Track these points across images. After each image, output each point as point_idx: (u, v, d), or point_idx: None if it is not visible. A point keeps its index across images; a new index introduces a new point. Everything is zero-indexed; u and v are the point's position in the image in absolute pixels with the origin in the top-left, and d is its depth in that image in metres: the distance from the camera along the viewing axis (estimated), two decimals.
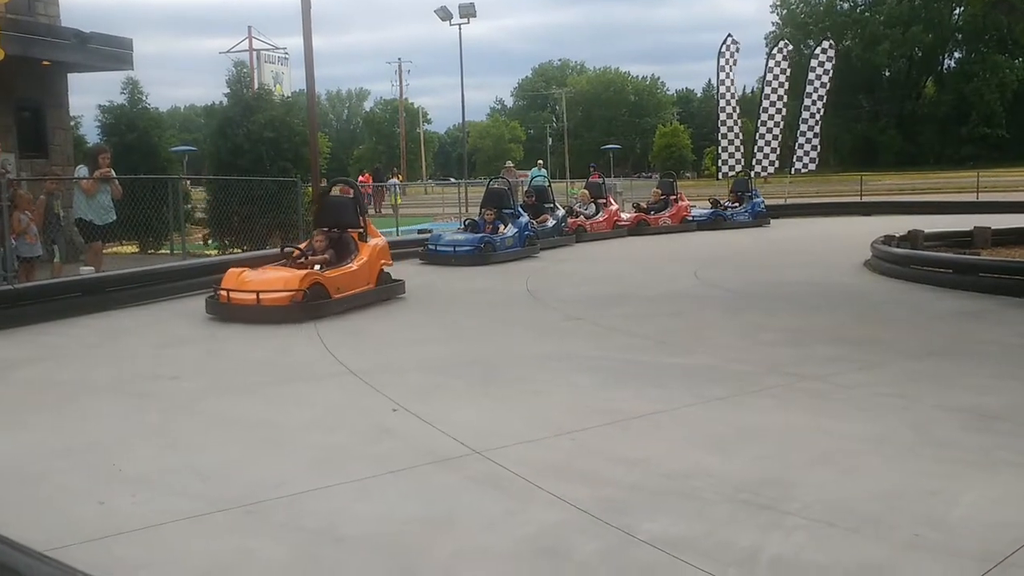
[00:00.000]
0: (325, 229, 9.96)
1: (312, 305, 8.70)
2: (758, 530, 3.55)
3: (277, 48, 34.84)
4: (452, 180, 44.05)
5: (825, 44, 26.87)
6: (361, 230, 10.08)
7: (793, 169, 26.77)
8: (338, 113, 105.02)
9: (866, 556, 3.32)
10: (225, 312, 8.72)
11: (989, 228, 14.25)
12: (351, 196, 10.46)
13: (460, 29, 33.56)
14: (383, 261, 10.26)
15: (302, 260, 9.42)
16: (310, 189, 15.82)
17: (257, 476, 4.25)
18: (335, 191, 11.38)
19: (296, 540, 3.52)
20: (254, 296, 8.60)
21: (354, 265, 9.67)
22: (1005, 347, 7.34)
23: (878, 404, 5.50)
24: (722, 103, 25.22)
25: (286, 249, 9.95)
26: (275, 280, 8.83)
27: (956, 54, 73.38)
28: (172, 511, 3.79)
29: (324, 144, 52.45)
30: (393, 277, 10.45)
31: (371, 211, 32.15)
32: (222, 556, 3.38)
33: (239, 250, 13.39)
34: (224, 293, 8.77)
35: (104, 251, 11.23)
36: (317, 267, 9.36)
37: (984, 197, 28.28)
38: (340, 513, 3.80)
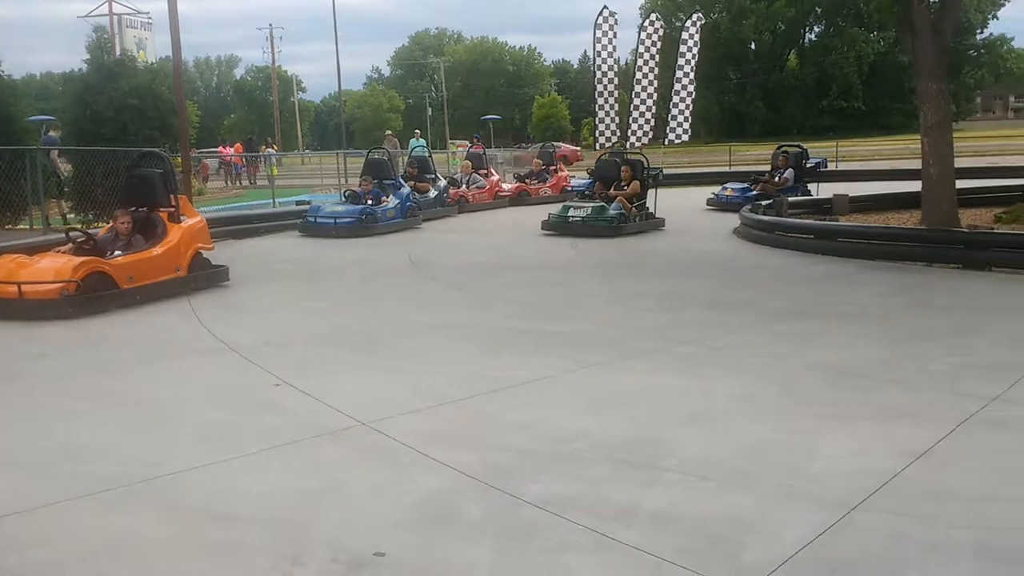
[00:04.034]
0: (131, 209, 8.81)
1: (90, 298, 7.67)
2: (636, 486, 3.73)
3: (140, 13, 33.05)
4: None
5: (695, 17, 27.61)
6: (172, 209, 8.92)
7: (667, 140, 27.50)
8: (207, 81, 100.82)
9: (737, 506, 3.54)
10: None
11: (847, 195, 15.04)
12: (159, 171, 9.21)
13: None
14: (199, 244, 9.09)
15: (88, 245, 8.28)
16: (179, 159, 15.26)
17: (137, 455, 4.14)
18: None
19: (181, 518, 3.47)
20: (16, 288, 7.45)
21: (156, 250, 8.52)
22: (862, 308, 7.85)
23: (745, 364, 5.81)
24: (599, 75, 25.59)
25: (72, 233, 8.64)
26: (45, 270, 7.67)
27: (816, 28, 76.61)
28: (52, 494, 3.66)
29: (193, 113, 50.33)
30: (214, 263, 9.32)
31: (245, 182, 31.39)
32: (109, 536, 3.31)
33: (100, 225, 12.71)
34: None
35: None
36: (118, 252, 8.36)
37: (843, 166, 29.78)
38: (225, 489, 3.76)
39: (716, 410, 4.84)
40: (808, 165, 18.74)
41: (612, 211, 13.43)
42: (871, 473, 3.83)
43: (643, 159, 14.84)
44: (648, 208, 14.22)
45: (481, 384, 5.31)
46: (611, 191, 14.12)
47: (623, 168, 14.37)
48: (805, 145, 20.21)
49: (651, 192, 14.56)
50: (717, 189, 18.22)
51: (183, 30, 15.28)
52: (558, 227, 13.63)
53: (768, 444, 4.27)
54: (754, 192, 16.88)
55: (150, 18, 33.07)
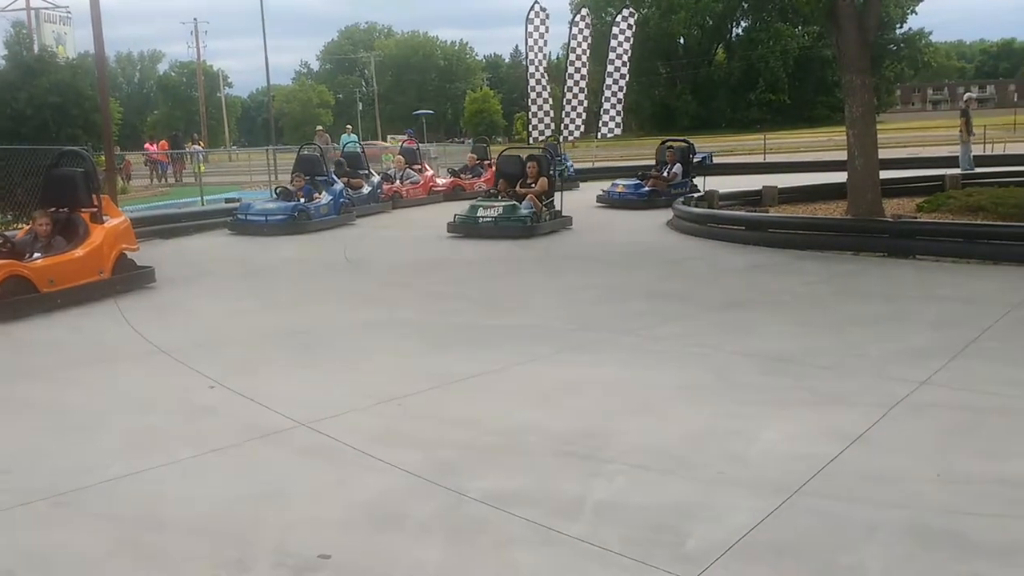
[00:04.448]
0: (51, 209, 8.50)
1: (9, 303, 7.38)
2: (581, 478, 3.74)
3: (58, 7, 31.95)
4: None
5: (625, 12, 27.80)
6: (94, 209, 8.66)
7: (599, 134, 27.63)
8: (129, 76, 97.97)
9: (679, 494, 3.58)
10: None
11: (776, 187, 15.34)
12: (80, 170, 8.88)
13: None
14: (124, 245, 8.89)
15: (6, 248, 7.91)
16: (103, 158, 14.82)
17: (65, 464, 4.00)
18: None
19: (114, 529, 3.36)
20: None
21: (78, 251, 8.27)
22: (794, 296, 8.02)
23: (684, 354, 5.88)
24: (531, 69, 25.55)
25: None
26: None
27: (743, 23, 78.06)
28: None
29: (115, 109, 48.89)
30: (140, 264, 9.07)
31: (171, 180, 30.61)
32: (30, 551, 3.17)
33: (21, 226, 12.22)
34: None
35: None
36: (37, 255, 8.01)
37: (771, 158, 30.43)
38: (161, 497, 3.65)
39: (657, 400, 4.89)
40: (695, 160, 18.81)
41: (524, 210, 12.49)
42: (809, 458, 3.91)
43: (548, 154, 14.01)
44: (556, 206, 13.34)
45: (424, 381, 5.26)
46: (518, 188, 13.18)
47: (529, 164, 13.35)
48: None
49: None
50: (607, 186, 17.77)
51: (104, 24, 14.82)
52: (466, 229, 12.49)
53: (708, 432, 4.33)
54: (647, 188, 16.72)
55: (69, 12, 31.99)
